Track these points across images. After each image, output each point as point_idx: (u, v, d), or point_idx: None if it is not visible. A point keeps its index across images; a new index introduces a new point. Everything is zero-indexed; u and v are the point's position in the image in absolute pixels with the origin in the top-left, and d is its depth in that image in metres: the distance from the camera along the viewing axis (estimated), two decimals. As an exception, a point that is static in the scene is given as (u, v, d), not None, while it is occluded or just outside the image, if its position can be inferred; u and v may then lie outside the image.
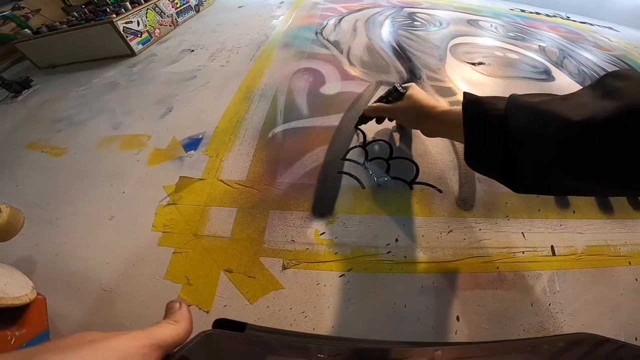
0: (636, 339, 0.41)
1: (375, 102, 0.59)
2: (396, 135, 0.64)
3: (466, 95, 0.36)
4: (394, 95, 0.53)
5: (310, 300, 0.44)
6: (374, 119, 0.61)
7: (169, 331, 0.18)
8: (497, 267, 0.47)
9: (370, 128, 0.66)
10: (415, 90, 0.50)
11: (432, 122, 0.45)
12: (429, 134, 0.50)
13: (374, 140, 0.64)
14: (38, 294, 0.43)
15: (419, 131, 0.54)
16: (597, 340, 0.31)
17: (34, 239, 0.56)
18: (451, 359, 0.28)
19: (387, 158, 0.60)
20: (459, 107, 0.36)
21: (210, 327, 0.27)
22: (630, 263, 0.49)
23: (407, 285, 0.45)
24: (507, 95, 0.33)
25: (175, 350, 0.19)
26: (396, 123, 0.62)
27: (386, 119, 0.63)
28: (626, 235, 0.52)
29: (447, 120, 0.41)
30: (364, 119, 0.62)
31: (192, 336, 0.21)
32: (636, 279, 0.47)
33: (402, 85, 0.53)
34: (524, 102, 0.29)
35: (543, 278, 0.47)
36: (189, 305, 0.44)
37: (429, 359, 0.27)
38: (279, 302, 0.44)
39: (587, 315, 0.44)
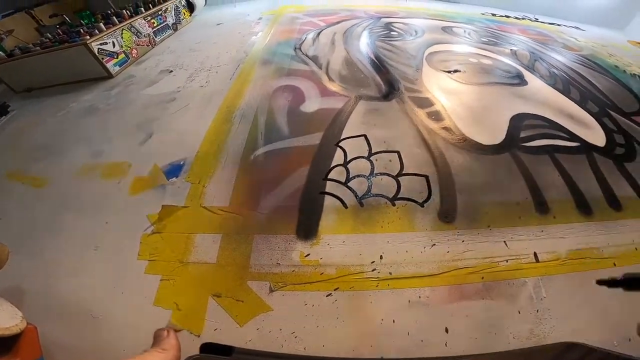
0: (630, 339, 0.42)
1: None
2: None
3: None
4: None
5: (299, 320, 0.45)
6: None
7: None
8: (482, 277, 0.48)
9: (351, 147, 0.68)
10: None
11: None
12: None
13: (355, 158, 0.65)
14: (28, 323, 0.43)
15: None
16: (585, 349, 0.31)
17: (21, 270, 0.55)
18: None
19: (368, 175, 0.61)
20: None
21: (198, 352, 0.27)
22: (615, 264, 0.51)
23: (394, 300, 0.46)
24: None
25: None
26: None
27: None
28: (609, 237, 0.54)
29: None
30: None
31: None
32: None
33: None
34: None
35: (529, 285, 0.48)
36: (177, 331, 0.45)
37: None
38: (268, 323, 0.45)
39: (576, 319, 0.45)
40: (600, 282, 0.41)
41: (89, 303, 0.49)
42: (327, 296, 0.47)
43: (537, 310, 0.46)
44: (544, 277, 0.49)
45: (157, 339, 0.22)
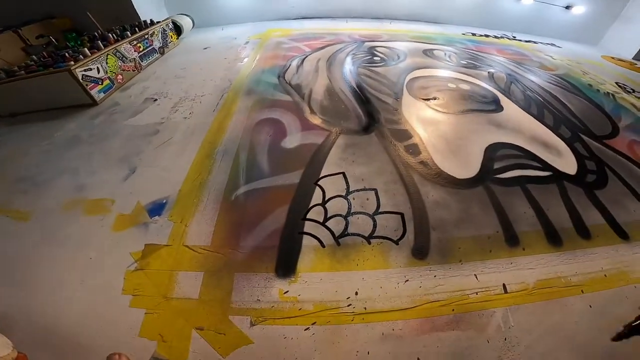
0: None
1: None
2: None
3: None
4: None
5: (279, 352, 0.47)
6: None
7: None
8: (453, 310, 0.51)
9: (330, 185, 0.70)
10: None
11: None
12: None
13: (333, 197, 0.67)
14: (19, 352, 0.45)
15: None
16: None
17: (7, 301, 0.56)
18: None
19: (346, 215, 0.64)
20: None
21: None
22: (582, 291, 0.54)
23: (368, 333, 0.49)
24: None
25: None
26: None
27: None
28: (576, 265, 0.58)
29: None
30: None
31: None
32: (590, 306, 0.52)
33: None
34: None
35: (497, 315, 0.51)
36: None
37: None
38: (249, 355, 0.47)
39: (544, 345, 0.48)
40: (615, 339, 0.49)
41: (76, 333, 0.51)
42: (305, 330, 0.49)
43: (505, 339, 0.49)
44: (512, 307, 0.52)
45: None
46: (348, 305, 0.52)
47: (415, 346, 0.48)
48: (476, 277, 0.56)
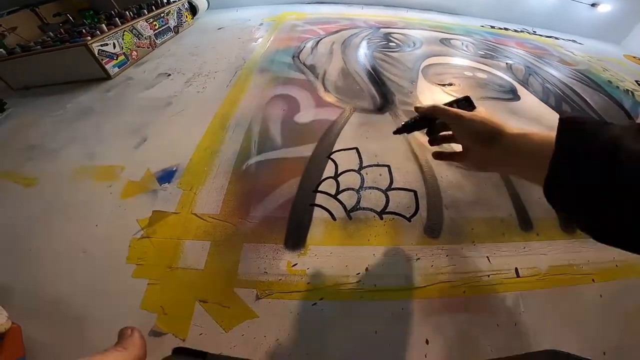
0: (604, 353, 0.44)
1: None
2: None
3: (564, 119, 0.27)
4: (462, 104, 0.42)
5: (284, 328, 0.45)
6: (424, 130, 0.46)
7: (115, 358, 0.18)
8: (464, 292, 0.50)
9: (343, 160, 0.69)
10: (485, 109, 0.40)
11: (502, 144, 0.33)
12: (486, 161, 0.37)
13: (346, 171, 0.66)
14: (13, 323, 0.44)
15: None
16: (567, 356, 0.31)
17: (7, 269, 0.55)
18: None
19: (358, 189, 0.62)
20: (547, 132, 0.28)
21: (171, 354, 0.26)
22: (593, 280, 0.53)
23: (377, 311, 0.47)
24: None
25: None
26: (429, 137, 0.47)
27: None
28: (588, 253, 0.56)
29: (526, 144, 0.31)
30: (412, 125, 0.45)
31: None
32: (600, 295, 0.51)
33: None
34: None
35: (508, 299, 0.49)
36: (161, 335, 0.45)
37: None
38: (253, 330, 0.45)
39: (553, 333, 0.46)
40: (395, 132, 0.47)
41: (75, 304, 0.49)
42: (312, 305, 0.48)
43: (515, 324, 0.47)
44: (524, 292, 0.50)
45: (120, 337, 0.21)
46: (358, 282, 0.50)
47: (424, 327, 0.46)
48: (489, 260, 0.54)
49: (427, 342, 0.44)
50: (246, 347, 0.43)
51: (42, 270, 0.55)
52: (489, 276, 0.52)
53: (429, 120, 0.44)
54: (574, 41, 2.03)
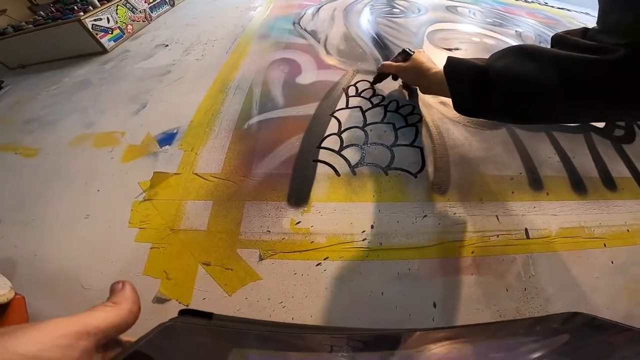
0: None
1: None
2: (405, 93, 0.70)
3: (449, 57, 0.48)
4: (403, 56, 0.62)
5: (288, 290, 0.44)
6: (390, 76, 0.68)
7: (103, 314, 0.16)
8: (472, 252, 0.48)
9: (347, 116, 0.67)
10: (420, 55, 0.59)
11: (427, 80, 0.54)
12: (424, 90, 0.59)
13: (350, 128, 0.64)
14: (16, 293, 0.43)
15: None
16: (589, 318, 0.30)
17: (11, 240, 0.55)
18: (447, 338, 0.28)
19: (362, 145, 0.60)
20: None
21: (177, 316, 0.26)
22: (605, 245, 0.50)
23: (383, 272, 0.46)
24: None
25: (133, 342, 0.16)
26: (402, 81, 0.69)
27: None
28: (600, 216, 0.53)
29: (437, 78, 0.50)
30: (380, 76, 0.69)
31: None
32: (612, 262, 0.48)
33: (412, 50, 0.61)
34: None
35: (518, 262, 0.47)
36: (165, 301, 0.44)
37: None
38: (257, 293, 0.44)
39: (563, 299, 0.44)
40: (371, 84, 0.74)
41: (78, 273, 0.49)
42: (316, 265, 0.46)
43: (525, 289, 0.45)
44: (534, 254, 0.48)
45: (111, 292, 0.19)
46: (363, 240, 0.49)
47: (431, 289, 0.44)
48: (497, 219, 0.51)
49: (434, 305, 0.43)
50: (250, 310, 0.43)
51: (46, 239, 0.54)
52: (497, 236, 0.49)
53: (386, 74, 0.68)
54: (586, 14, 1.94)
